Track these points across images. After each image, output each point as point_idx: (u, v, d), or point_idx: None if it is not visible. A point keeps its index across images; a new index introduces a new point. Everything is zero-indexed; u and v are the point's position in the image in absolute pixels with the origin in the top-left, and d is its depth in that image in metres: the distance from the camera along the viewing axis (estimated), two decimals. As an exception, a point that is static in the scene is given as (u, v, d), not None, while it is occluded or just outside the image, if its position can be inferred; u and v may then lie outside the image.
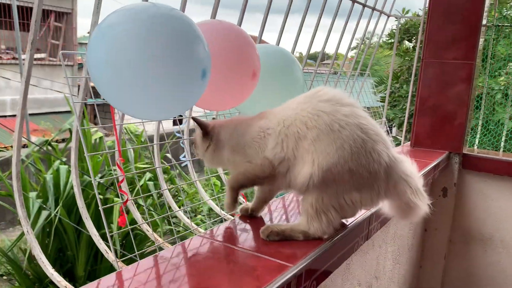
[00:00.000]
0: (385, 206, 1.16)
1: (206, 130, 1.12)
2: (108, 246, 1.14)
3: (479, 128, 3.00)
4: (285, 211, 1.29)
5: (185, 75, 0.93)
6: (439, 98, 2.39)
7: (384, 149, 1.05)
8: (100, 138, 6.23)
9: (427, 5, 2.53)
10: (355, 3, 2.35)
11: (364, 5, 2.52)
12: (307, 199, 1.04)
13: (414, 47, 9.20)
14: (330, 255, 1.06)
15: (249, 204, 1.22)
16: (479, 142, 2.93)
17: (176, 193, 6.97)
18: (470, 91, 2.31)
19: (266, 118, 1.10)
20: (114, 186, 5.70)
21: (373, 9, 2.70)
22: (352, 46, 2.88)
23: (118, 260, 1.13)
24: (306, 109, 1.04)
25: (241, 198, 1.48)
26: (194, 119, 1.14)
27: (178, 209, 1.33)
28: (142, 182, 5.82)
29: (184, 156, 1.39)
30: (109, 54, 0.91)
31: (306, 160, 1.01)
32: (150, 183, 5.89)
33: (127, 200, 1.11)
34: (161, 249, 1.15)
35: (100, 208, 1.11)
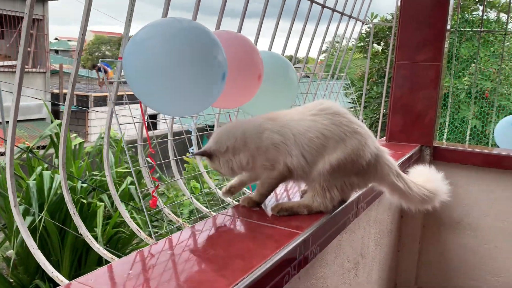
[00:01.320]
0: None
1: (207, 154, 1.30)
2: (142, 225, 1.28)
3: (447, 124, 3.30)
4: (287, 194, 1.48)
5: (209, 78, 1.12)
6: (410, 97, 2.64)
7: (371, 142, 1.32)
8: (80, 144, 6.28)
9: (397, 11, 2.78)
10: (326, 8, 2.55)
11: (342, 13, 2.75)
12: (315, 181, 1.26)
13: (383, 50, 9.66)
14: (329, 226, 1.27)
15: (252, 196, 1.38)
16: (447, 137, 3.21)
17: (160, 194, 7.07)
18: (438, 90, 2.57)
19: (281, 128, 1.29)
20: (96, 190, 5.76)
21: (349, 16, 2.93)
22: (322, 49, 3.09)
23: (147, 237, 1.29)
24: (319, 121, 1.27)
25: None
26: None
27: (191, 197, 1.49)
28: (124, 186, 5.90)
29: (193, 149, 1.56)
30: (145, 65, 1.09)
31: (320, 161, 1.24)
32: (132, 187, 5.97)
33: (157, 185, 1.28)
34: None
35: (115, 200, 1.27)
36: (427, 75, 2.59)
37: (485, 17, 8.87)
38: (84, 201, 5.34)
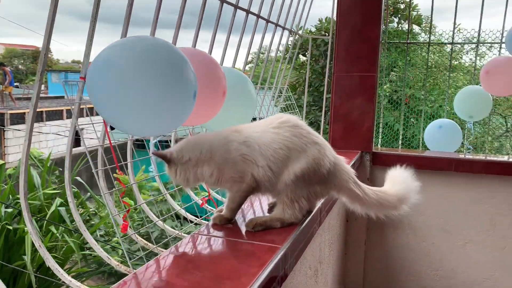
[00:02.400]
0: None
1: (166, 159, 1.28)
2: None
3: (380, 130, 3.51)
4: (253, 208, 1.49)
5: (182, 97, 1.10)
6: (349, 106, 2.78)
7: (329, 152, 1.39)
8: (1, 166, 5.84)
9: (333, 26, 2.92)
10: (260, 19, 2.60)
11: (277, 24, 2.82)
12: (282, 193, 1.29)
13: (307, 61, 10.13)
14: (302, 237, 1.30)
15: (224, 214, 1.38)
16: (381, 142, 3.42)
17: (89, 218, 6.73)
18: (374, 98, 2.74)
19: (246, 139, 1.31)
20: (21, 215, 5.35)
21: (283, 28, 3.02)
22: (249, 60, 3.14)
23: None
24: (281, 133, 1.31)
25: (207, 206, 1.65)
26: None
27: (157, 218, 1.45)
28: (53, 208, 5.57)
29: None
30: (115, 86, 1.05)
31: (285, 171, 1.27)
32: (62, 209, 5.67)
33: (129, 209, 1.22)
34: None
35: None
36: (363, 86, 2.74)
37: (400, 28, 9.60)
38: (10, 227, 4.96)
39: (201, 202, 1.56)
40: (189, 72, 1.12)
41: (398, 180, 1.61)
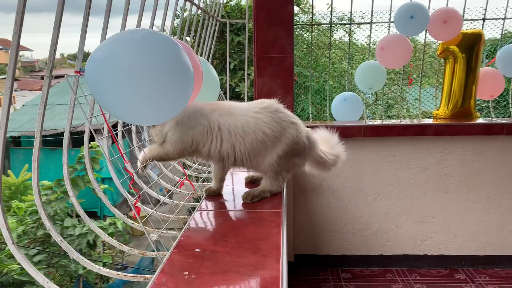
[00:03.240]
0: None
1: None
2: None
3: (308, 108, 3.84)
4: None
5: (185, 82, 1.18)
6: (271, 85, 3.00)
7: (303, 128, 1.58)
8: None
9: (249, 10, 3.08)
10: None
11: (198, 7, 2.89)
12: (268, 171, 1.46)
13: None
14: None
15: (212, 186, 1.53)
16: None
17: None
18: (292, 77, 2.99)
19: (223, 116, 1.44)
20: None
21: (204, 11, 3.10)
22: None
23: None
24: (261, 118, 1.45)
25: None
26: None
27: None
28: None
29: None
30: (123, 80, 1.09)
31: (268, 154, 1.44)
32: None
33: (139, 195, 1.25)
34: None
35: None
36: (282, 66, 2.97)
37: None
38: None
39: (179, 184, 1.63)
40: (186, 58, 1.20)
41: (333, 143, 1.87)
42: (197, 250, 1.03)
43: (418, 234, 3.19)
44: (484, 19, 3.51)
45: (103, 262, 6.59)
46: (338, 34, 8.69)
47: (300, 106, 8.29)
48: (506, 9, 3.57)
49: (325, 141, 1.88)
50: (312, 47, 4.80)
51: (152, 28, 1.95)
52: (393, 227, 3.20)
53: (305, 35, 8.30)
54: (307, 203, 3.21)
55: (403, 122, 3.25)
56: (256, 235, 1.08)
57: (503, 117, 4.20)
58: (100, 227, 5.92)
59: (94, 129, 1.27)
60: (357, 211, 3.20)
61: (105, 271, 1.22)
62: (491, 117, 3.84)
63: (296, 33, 8.54)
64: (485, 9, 3.50)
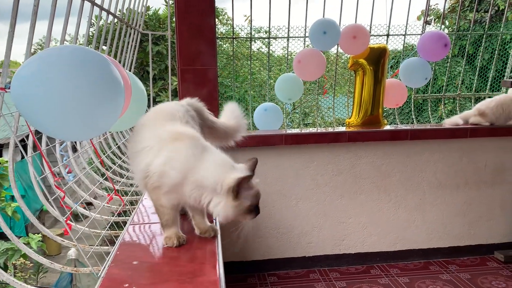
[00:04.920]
0: None
1: None
2: None
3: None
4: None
5: (116, 94, 1.20)
6: (196, 97, 3.04)
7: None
8: None
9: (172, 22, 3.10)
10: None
11: (121, 21, 2.87)
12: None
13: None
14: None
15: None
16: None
17: None
18: (216, 89, 3.06)
19: None
20: None
21: (122, 21, 3.07)
22: None
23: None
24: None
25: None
26: None
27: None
28: None
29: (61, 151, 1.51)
30: (52, 96, 1.10)
31: None
32: None
33: (71, 212, 1.22)
34: None
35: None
36: (206, 78, 3.04)
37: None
38: None
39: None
40: (116, 72, 1.23)
41: (237, 114, 1.95)
42: (135, 262, 1.05)
43: (337, 235, 3.41)
44: (388, 35, 3.88)
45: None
46: (256, 46, 8.97)
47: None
48: (406, 26, 3.98)
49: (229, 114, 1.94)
50: (233, 58, 4.92)
51: (64, 36, 1.91)
52: (314, 229, 3.39)
53: (224, 46, 8.45)
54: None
55: (320, 130, 3.47)
56: (192, 245, 1.12)
57: (407, 123, 4.65)
58: (11, 248, 5.51)
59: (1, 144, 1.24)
60: (281, 215, 3.35)
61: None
62: (397, 123, 4.24)
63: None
64: (389, 26, 3.86)
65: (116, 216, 1.55)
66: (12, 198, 8.87)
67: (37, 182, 1.26)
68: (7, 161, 5.68)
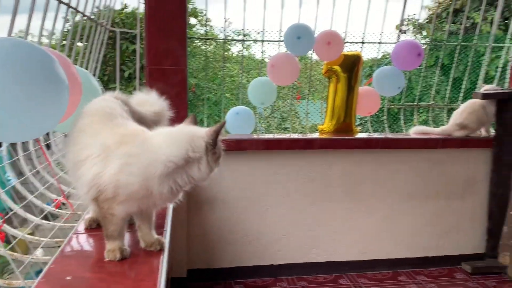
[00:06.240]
0: None
1: None
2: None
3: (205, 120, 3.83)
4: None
5: (58, 92, 1.10)
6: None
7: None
8: None
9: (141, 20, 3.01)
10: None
11: (89, 18, 2.76)
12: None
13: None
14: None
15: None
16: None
17: None
18: (186, 90, 2.97)
19: None
20: None
21: (89, 18, 2.96)
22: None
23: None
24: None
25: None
26: None
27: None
28: None
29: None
30: None
31: None
32: None
33: (4, 220, 1.12)
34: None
35: None
36: (175, 78, 2.95)
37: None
38: None
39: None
40: (59, 68, 1.13)
41: (153, 98, 1.86)
42: (68, 278, 0.96)
43: (306, 243, 3.36)
44: (363, 42, 3.86)
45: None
46: (236, 48, 8.91)
47: (199, 117, 8.30)
48: (381, 34, 3.97)
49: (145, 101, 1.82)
50: (210, 60, 4.86)
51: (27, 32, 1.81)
52: (283, 236, 3.33)
53: (202, 47, 8.35)
54: (202, 216, 3.19)
55: (293, 136, 3.41)
56: (134, 259, 1.04)
57: (382, 131, 4.64)
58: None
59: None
60: (250, 222, 3.27)
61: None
62: (370, 132, 4.22)
63: (194, 45, 8.57)
64: (364, 33, 3.84)
65: (63, 223, 1.45)
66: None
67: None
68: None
